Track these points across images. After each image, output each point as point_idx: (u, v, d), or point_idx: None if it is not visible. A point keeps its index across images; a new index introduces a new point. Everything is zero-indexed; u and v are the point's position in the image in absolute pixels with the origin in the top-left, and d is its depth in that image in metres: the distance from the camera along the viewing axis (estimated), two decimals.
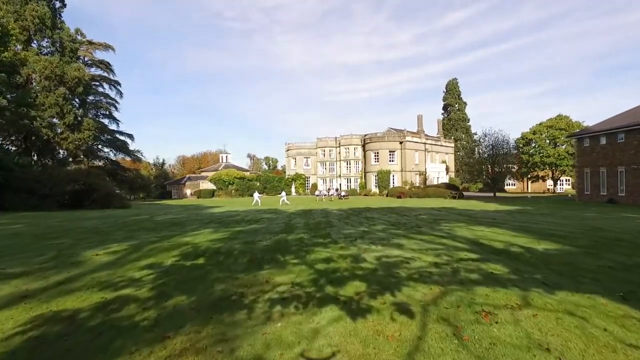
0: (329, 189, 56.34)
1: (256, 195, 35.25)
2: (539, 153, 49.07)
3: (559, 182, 60.98)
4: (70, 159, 55.40)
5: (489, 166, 41.41)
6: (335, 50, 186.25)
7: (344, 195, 48.05)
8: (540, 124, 52.42)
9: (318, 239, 9.38)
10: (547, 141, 50.48)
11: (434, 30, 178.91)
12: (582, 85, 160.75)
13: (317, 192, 45.05)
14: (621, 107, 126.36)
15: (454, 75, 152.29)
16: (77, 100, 45.03)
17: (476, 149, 41.73)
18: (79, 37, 43.55)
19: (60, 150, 43.60)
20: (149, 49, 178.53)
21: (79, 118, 43.37)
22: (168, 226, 13.94)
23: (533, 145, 51.27)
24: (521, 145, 48.49)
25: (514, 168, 44.56)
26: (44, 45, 40.64)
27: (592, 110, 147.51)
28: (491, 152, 40.60)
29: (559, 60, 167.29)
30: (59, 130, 41.70)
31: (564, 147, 48.31)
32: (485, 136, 40.90)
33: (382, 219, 16.01)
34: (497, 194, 53.00)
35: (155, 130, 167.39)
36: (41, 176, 29.22)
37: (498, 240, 8.36)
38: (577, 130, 47.96)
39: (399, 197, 46.47)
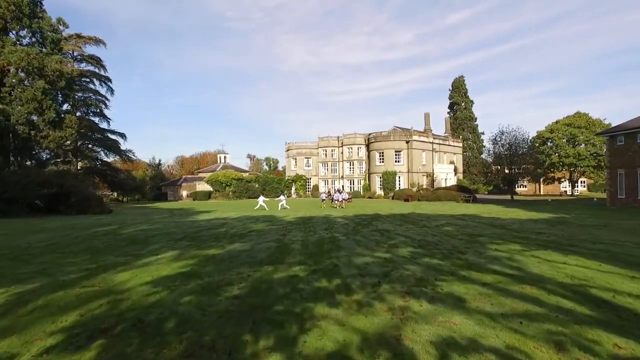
0: (333, 191, 51.68)
1: (261, 199, 31.68)
2: (557, 153, 45.56)
3: (568, 183, 57.40)
4: (59, 160, 52.37)
5: (506, 167, 38.06)
6: (336, 50, 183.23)
7: (335, 192, 44.76)
8: (557, 122, 48.96)
9: (320, 280, 6.05)
10: (564, 140, 46.97)
11: (436, 30, 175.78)
12: (584, 85, 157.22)
13: (322, 196, 35.02)
14: (629, 107, 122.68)
15: (455, 75, 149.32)
16: (60, 95, 41.78)
17: (492, 147, 38.36)
18: (61, 27, 40.25)
19: (41, 150, 40.34)
20: (150, 49, 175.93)
21: (62, 115, 40.12)
22: (124, 246, 10.62)
23: (550, 144, 47.79)
24: (537, 145, 44.99)
25: (530, 169, 40.99)
26: (22, 35, 37.46)
27: (598, 110, 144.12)
28: (508, 151, 37.20)
29: (561, 60, 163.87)
30: (42, 128, 38.50)
31: (583, 146, 44.79)
32: (502, 134, 37.51)
33: (400, 233, 12.67)
34: (509, 197, 49.53)
35: (156, 130, 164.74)
36: (9, 178, 26.00)
37: (633, 295, 4.96)
38: (598, 128, 44.57)
39: (407, 200, 43.10)
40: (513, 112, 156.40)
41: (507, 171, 38.45)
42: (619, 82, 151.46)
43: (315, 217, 20.69)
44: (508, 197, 51.48)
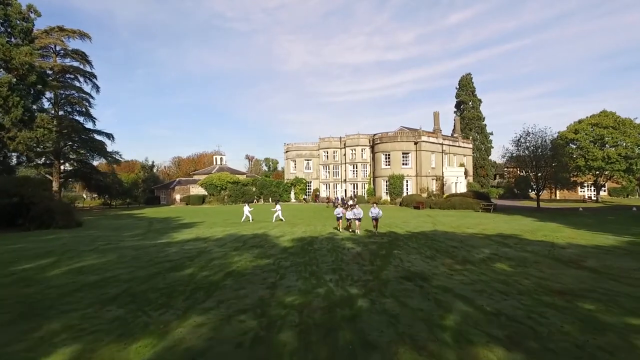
0: (339, 198, 45.50)
1: (246, 209, 27.53)
2: (585, 156, 41.25)
3: (587, 188, 53.17)
4: (41, 163, 48.25)
5: (531, 171, 33.88)
6: (337, 50, 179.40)
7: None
8: (581, 121, 44.74)
9: None
10: (589, 141, 42.64)
11: (437, 30, 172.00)
12: (584, 85, 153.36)
13: (337, 212, 20.49)
14: (630, 107, 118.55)
15: (455, 75, 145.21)
16: (32, 92, 37.54)
17: (514, 150, 34.12)
18: (32, 16, 35.99)
19: (9, 153, 36.16)
20: (150, 49, 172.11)
21: (34, 113, 35.93)
22: (6, 323, 6.46)
23: (573, 146, 43.55)
24: (563, 146, 40.79)
25: (552, 172, 36.75)
26: None
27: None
28: (533, 154, 33.03)
29: (562, 60, 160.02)
30: (9, 128, 34.31)
31: (613, 148, 40.53)
32: (528, 135, 33.27)
33: (446, 283, 8.53)
34: (527, 203, 45.43)
35: (156, 131, 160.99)
36: None
37: None
38: (629, 127, 40.42)
39: (417, 207, 38.93)
40: (514, 113, 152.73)
41: (531, 175, 34.26)
42: (624, 81, 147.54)
43: (317, 240, 16.51)
44: (526, 203, 47.37)
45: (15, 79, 32.77)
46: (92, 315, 6.73)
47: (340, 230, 19.63)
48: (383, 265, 10.90)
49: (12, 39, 34.24)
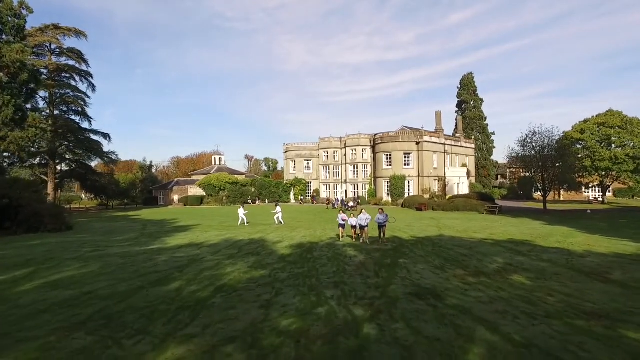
0: (344, 203, 42.29)
1: (241, 212, 26.62)
2: (591, 156, 40.22)
3: (592, 189, 52.19)
4: (35, 163, 47.36)
5: (538, 172, 32.90)
6: (337, 50, 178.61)
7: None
8: (586, 121, 43.76)
9: None
10: (595, 141, 41.61)
11: (437, 30, 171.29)
12: (584, 86, 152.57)
13: (340, 219, 18.17)
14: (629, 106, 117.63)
15: (456, 76, 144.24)
16: (24, 90, 36.60)
17: (520, 150, 33.15)
18: (24, 12, 35.07)
19: (1, 153, 35.17)
20: (150, 49, 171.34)
21: (26, 113, 34.97)
22: None
23: (579, 146, 42.55)
24: (569, 146, 39.80)
25: (557, 173, 35.79)
26: None
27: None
28: (539, 154, 32.06)
29: (562, 60, 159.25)
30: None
31: (620, 148, 39.54)
32: (534, 135, 32.29)
33: (462, 301, 7.57)
34: (531, 204, 44.52)
35: (156, 131, 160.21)
36: None
37: None
38: (637, 127, 39.46)
39: (419, 209, 37.97)
40: (514, 113, 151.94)
41: (538, 176, 33.30)
42: (624, 81, 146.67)
43: (317, 246, 15.55)
44: (530, 204, 46.43)
45: (6, 77, 31.90)
46: (54, 345, 5.76)
47: (342, 238, 17.61)
48: (389, 278, 9.95)
49: (3, 36, 33.35)
